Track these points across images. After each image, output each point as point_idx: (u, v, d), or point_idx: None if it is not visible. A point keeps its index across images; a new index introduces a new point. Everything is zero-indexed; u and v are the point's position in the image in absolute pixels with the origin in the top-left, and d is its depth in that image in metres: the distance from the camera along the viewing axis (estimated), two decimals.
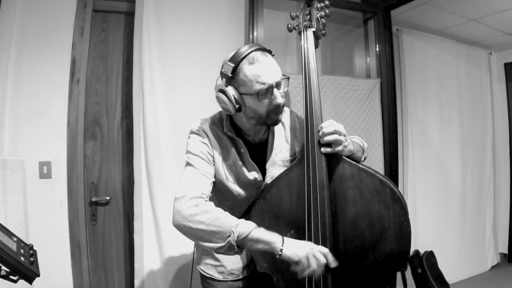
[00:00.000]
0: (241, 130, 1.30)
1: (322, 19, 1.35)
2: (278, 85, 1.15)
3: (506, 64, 3.83)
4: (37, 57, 1.97)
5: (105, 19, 2.21)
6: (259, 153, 1.30)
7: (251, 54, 1.13)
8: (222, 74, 1.18)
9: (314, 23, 1.32)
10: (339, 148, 1.13)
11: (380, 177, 1.10)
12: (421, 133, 3.16)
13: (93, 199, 2.13)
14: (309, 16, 1.34)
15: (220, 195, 1.29)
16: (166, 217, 2.11)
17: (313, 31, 1.32)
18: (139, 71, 2.06)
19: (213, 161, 1.24)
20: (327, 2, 1.37)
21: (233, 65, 1.14)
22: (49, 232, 1.93)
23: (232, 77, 1.15)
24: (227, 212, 1.10)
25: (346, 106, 2.49)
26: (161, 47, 2.12)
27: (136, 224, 2.07)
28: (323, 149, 1.14)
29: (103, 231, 2.17)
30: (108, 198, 2.17)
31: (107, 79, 2.21)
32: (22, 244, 1.00)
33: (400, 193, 1.09)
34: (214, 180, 1.23)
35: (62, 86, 2.02)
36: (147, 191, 2.06)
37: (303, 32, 1.33)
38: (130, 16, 2.19)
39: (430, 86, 3.26)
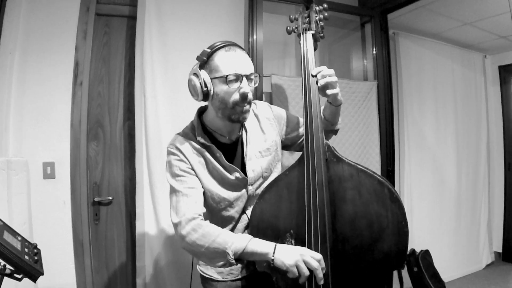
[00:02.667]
0: (214, 133, 1.29)
1: (321, 22, 1.34)
2: (248, 77, 1.17)
3: (500, 67, 3.84)
4: (41, 60, 1.96)
5: (108, 23, 2.21)
6: (237, 150, 1.31)
7: (229, 46, 1.17)
8: (198, 58, 1.20)
9: (313, 25, 1.32)
10: (336, 90, 1.25)
11: (378, 177, 1.10)
12: (417, 134, 3.16)
13: (96, 199, 2.12)
14: (308, 18, 1.34)
15: (212, 201, 1.27)
16: (167, 217, 2.11)
17: (312, 34, 1.31)
18: (141, 73, 2.07)
19: (195, 173, 1.24)
20: (325, 5, 1.35)
21: (210, 51, 1.17)
22: (52, 232, 1.93)
23: (206, 61, 1.18)
24: (224, 230, 1.13)
25: (343, 108, 2.48)
26: (163, 50, 2.12)
27: (138, 223, 2.07)
28: (328, 91, 1.25)
29: (105, 231, 2.17)
30: (110, 198, 2.16)
31: (110, 82, 2.21)
32: (26, 243, 1.00)
33: (397, 193, 1.09)
34: (203, 190, 1.24)
35: (65, 88, 2.02)
36: (148, 191, 2.06)
37: (302, 34, 1.32)
38: (132, 19, 2.19)
39: (426, 88, 3.26)
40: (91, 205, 2.12)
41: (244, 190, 1.29)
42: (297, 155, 1.26)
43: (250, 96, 1.17)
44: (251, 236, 1.09)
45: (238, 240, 1.07)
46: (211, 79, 1.17)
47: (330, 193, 1.13)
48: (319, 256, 1.04)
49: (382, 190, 1.08)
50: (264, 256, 1.05)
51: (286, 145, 1.48)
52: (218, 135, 1.28)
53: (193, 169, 1.23)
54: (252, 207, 1.27)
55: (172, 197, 1.22)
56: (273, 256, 1.03)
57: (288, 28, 1.38)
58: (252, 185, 1.29)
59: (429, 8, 2.84)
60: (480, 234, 3.64)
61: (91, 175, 2.14)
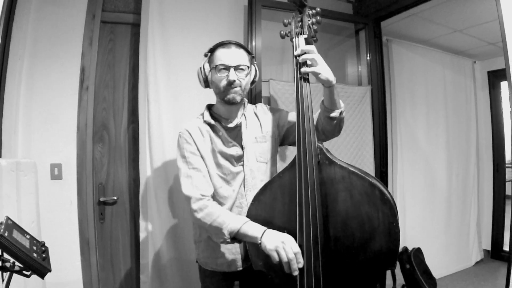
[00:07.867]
0: (219, 118, 1.44)
1: (314, 26, 1.31)
2: (236, 68, 1.33)
3: (489, 72, 3.84)
4: (48, 66, 1.97)
5: (113, 30, 2.22)
6: (237, 134, 1.43)
7: (227, 44, 1.35)
8: (205, 54, 1.42)
9: (305, 29, 1.28)
10: (317, 69, 1.20)
11: (370, 179, 1.08)
12: (409, 137, 3.17)
13: (101, 199, 2.13)
14: (300, 23, 1.31)
15: (216, 179, 1.37)
16: (170, 216, 2.12)
17: (305, 38, 1.28)
18: (145, 78, 2.08)
19: (200, 153, 1.36)
20: (318, 9, 1.32)
21: (212, 47, 1.38)
22: (60, 230, 1.94)
23: (209, 55, 1.40)
24: (224, 211, 1.23)
25: None
26: (165, 56, 2.13)
27: (141, 222, 2.07)
28: (302, 69, 1.23)
29: (110, 229, 2.18)
30: (115, 198, 2.17)
31: (115, 86, 2.22)
32: (34, 241, 1.00)
33: (390, 194, 1.07)
34: (208, 170, 1.36)
35: (72, 93, 2.03)
36: (152, 191, 2.07)
37: (295, 38, 1.30)
38: (136, 27, 2.20)
39: (418, 93, 3.27)
40: (96, 204, 2.13)
41: (241, 168, 1.38)
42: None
43: (236, 82, 1.33)
44: (247, 219, 1.17)
45: (233, 222, 1.17)
46: (210, 69, 1.39)
47: (322, 195, 1.13)
48: (297, 249, 1.07)
49: (373, 191, 1.07)
50: (254, 239, 1.12)
51: (282, 138, 1.52)
52: (222, 119, 1.44)
53: (198, 150, 1.36)
54: (248, 194, 1.34)
55: (181, 177, 1.34)
56: (260, 240, 1.10)
57: (282, 32, 1.35)
58: (247, 165, 1.38)
59: (421, 16, 2.85)
60: (470, 232, 3.64)
61: (97, 176, 2.14)
